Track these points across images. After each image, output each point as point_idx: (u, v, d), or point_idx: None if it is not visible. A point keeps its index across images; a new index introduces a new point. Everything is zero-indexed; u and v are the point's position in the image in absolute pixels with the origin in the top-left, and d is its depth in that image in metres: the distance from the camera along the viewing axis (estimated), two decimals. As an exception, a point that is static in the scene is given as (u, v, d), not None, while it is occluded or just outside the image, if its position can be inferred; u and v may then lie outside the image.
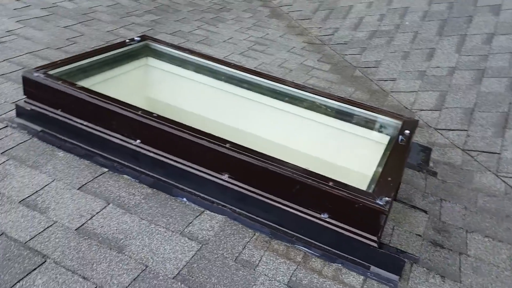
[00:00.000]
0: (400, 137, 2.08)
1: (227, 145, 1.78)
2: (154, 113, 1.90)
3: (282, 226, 1.80)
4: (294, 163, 1.76)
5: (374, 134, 2.33)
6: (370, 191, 1.68)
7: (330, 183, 1.67)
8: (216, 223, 1.78)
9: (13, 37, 3.20)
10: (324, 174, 1.72)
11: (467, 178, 2.42)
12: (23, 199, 1.73)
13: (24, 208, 1.68)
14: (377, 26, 4.14)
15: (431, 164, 2.52)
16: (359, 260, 1.70)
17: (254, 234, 1.77)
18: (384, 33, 4.01)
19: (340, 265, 1.69)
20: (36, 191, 1.78)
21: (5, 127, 2.15)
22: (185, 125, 1.86)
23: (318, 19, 4.69)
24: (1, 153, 1.96)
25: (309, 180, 1.68)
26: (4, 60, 2.83)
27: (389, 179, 1.76)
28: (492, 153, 2.55)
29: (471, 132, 2.72)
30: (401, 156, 1.98)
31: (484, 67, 3.16)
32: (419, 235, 1.95)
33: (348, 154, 2.43)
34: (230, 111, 2.62)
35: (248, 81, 2.55)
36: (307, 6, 5.06)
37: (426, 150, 2.63)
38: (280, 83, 2.49)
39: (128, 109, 1.90)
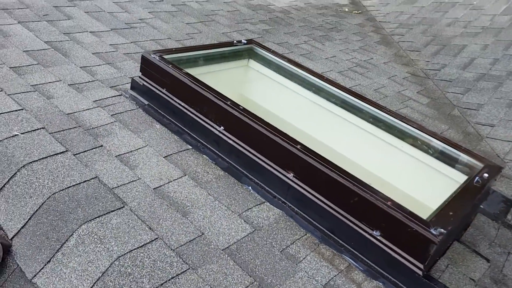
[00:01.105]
0: (477, 178, 2.03)
1: (298, 146, 1.92)
2: (240, 106, 2.11)
3: (334, 233, 1.87)
4: (360, 178, 1.83)
5: (452, 171, 2.29)
6: (428, 220, 1.69)
7: (389, 203, 1.71)
8: (273, 215, 1.92)
9: (143, 24, 3.69)
10: (386, 194, 1.76)
11: (549, 241, 2.24)
12: (119, 154, 2.04)
13: (118, 162, 1.98)
14: (488, 70, 3.96)
15: (509, 217, 2.38)
16: (401, 284, 1.71)
17: (305, 234, 1.87)
18: (493, 77, 3.82)
19: (381, 284, 1.72)
20: (131, 151, 2.08)
21: (119, 95, 2.52)
22: (264, 120, 2.03)
23: (428, 53, 4.61)
24: (111, 115, 2.32)
25: (369, 195, 1.74)
26: (132, 42, 3.28)
27: (451, 213, 1.74)
28: None
29: None
30: (471, 196, 1.93)
31: None
32: (473, 280, 1.88)
33: (420, 185, 2.40)
34: (315, 122, 2.74)
35: (339, 97, 2.66)
36: (420, 38, 4.98)
37: (508, 202, 2.48)
38: (370, 105, 2.56)
39: (219, 98, 2.13)
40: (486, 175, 2.06)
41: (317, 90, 2.72)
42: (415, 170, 2.41)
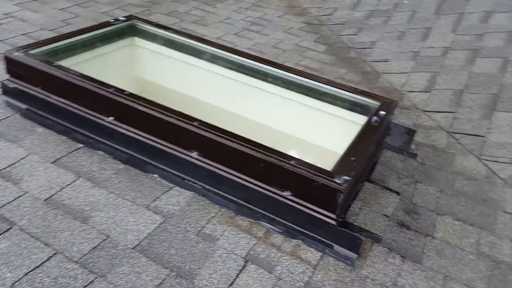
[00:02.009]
0: (375, 117, 2.08)
1: (195, 123, 1.82)
2: (125, 91, 1.94)
3: (248, 202, 1.83)
4: (263, 142, 1.79)
5: (351, 115, 2.33)
6: (331, 170, 1.70)
7: (292, 162, 1.69)
8: (183, 198, 1.83)
9: (9, 19, 3.28)
10: (288, 153, 1.74)
11: (448, 161, 2.40)
12: (-2, 171, 1.81)
13: (-2, 180, 1.76)
14: (376, 6, 4.07)
15: (412, 147, 2.50)
16: (319, 237, 1.73)
17: (220, 210, 1.82)
18: (382, 12, 3.94)
19: (300, 241, 1.73)
20: (12, 164, 1.86)
21: (-11, 104, 2.23)
22: (154, 102, 1.90)
23: (319, -1, 4.64)
24: (-17, 129, 2.04)
25: (272, 159, 1.70)
26: (-2, 40, 2.91)
27: (352, 158, 1.77)
28: (477, 135, 2.51)
29: (458, 115, 2.68)
30: (371, 137, 1.98)
31: (478, 47, 3.09)
32: (386, 216, 1.96)
33: (324, 134, 2.43)
34: (212, 90, 2.65)
35: (232, 61, 2.57)
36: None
37: (410, 133, 2.61)
38: (263, 63, 2.50)
39: (100, 87, 1.94)
40: (383, 112, 2.11)
41: (211, 58, 2.61)
42: (319, 121, 2.43)
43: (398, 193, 2.13)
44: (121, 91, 1.95)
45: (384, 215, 1.97)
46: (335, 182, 1.62)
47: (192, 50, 2.64)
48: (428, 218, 2.02)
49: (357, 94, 2.31)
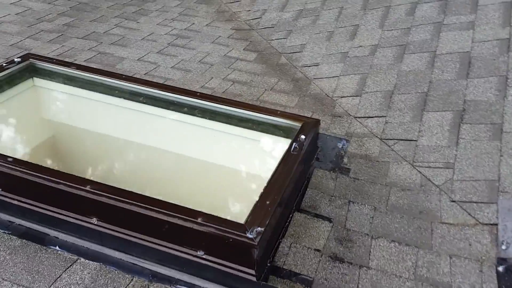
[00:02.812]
0: (294, 144, 1.93)
1: (88, 187, 1.62)
2: (9, 157, 1.72)
3: (162, 265, 1.66)
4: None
5: (271, 141, 2.19)
6: (243, 222, 1.54)
7: (199, 219, 1.53)
8: (88, 273, 1.63)
9: None
10: (193, 208, 1.57)
11: (382, 172, 2.30)
12: None
13: None
14: (304, 4, 3.92)
15: (345, 160, 2.38)
16: (241, 295, 1.58)
17: (132, 280, 1.63)
18: (310, 11, 3.80)
19: (222, 302, 1.57)
20: None
21: None
22: (41, 167, 1.68)
23: (247, 1, 4.44)
24: None
25: (176, 218, 1.53)
26: None
27: (268, 202, 1.62)
28: (409, 140, 2.42)
29: (389, 118, 2.58)
30: (290, 170, 1.84)
31: (406, 42, 2.99)
32: (318, 250, 1.83)
33: (252, 161, 2.29)
34: (123, 125, 2.45)
35: (141, 93, 2.37)
36: (238, -14, 4.77)
37: (342, 144, 2.49)
38: (175, 93, 2.31)
39: (-23, 158, 1.71)
40: (302, 137, 1.97)
41: (117, 92, 2.39)
42: (244, 148, 2.28)
43: (330, 220, 2.00)
44: (4, 157, 1.72)
45: (316, 249, 1.84)
46: (247, 238, 1.47)
47: (96, 85, 2.42)
48: (363, 245, 1.90)
49: (277, 117, 2.17)
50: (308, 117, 2.17)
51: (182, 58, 3.45)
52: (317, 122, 2.12)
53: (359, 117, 2.68)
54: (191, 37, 3.83)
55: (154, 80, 3.05)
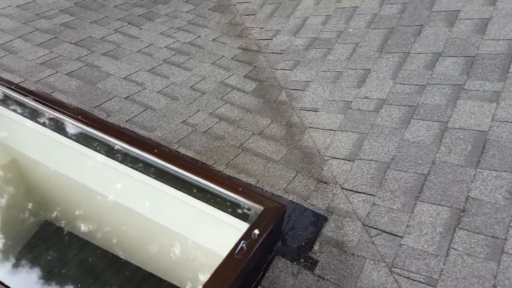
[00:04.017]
0: (242, 243, 1.64)
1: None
2: None
3: None
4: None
5: (234, 220, 1.90)
6: None
7: None
8: None
9: None
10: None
11: (354, 272, 1.97)
12: None
13: None
14: (319, 32, 3.54)
15: (315, 247, 2.07)
16: None
17: None
18: (323, 42, 3.42)
19: None
20: None
21: None
22: None
23: (263, 16, 4.09)
24: None
25: None
26: None
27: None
28: (393, 235, 2.07)
29: (378, 200, 2.24)
30: (229, 277, 1.55)
31: (416, 103, 2.61)
32: None
33: (211, 236, 2.01)
34: (74, 168, 2.20)
35: (94, 137, 2.11)
36: (257, -4, 4.42)
37: (318, 223, 2.18)
38: (126, 142, 2.05)
39: None
40: (256, 231, 1.67)
41: (72, 134, 2.15)
42: (204, 221, 2.00)
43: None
44: None
45: None
46: None
47: (49, 120, 2.17)
48: None
49: (238, 194, 1.87)
50: (272, 200, 1.87)
51: (173, 80, 3.17)
52: (281, 208, 1.81)
53: (346, 189, 2.35)
54: (191, 54, 3.54)
55: (133, 108, 2.80)
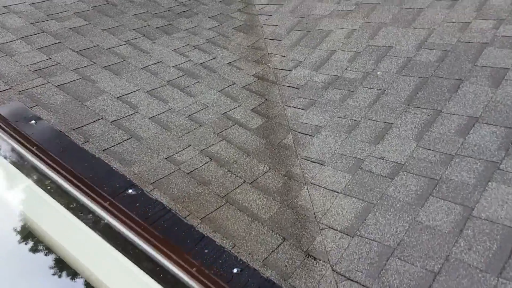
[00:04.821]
0: None
1: None
2: None
3: None
4: None
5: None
6: None
7: None
8: None
9: None
10: None
11: None
12: None
13: None
14: (343, 70, 3.16)
15: None
16: None
17: None
18: (346, 82, 3.03)
19: None
20: None
21: None
22: None
23: (288, 43, 3.75)
24: None
25: None
26: None
27: None
28: None
29: (372, 294, 1.82)
30: None
31: (439, 177, 2.18)
32: None
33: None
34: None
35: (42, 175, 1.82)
36: (286, 20, 4.09)
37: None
38: (75, 186, 1.73)
39: None
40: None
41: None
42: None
43: None
44: None
45: None
46: None
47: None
48: None
49: (190, 278, 1.51)
50: (231, 291, 1.51)
51: (171, 106, 2.87)
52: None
53: (337, 272, 1.95)
54: (200, 77, 3.23)
55: (117, 134, 2.51)
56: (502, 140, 2.23)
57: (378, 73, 3.00)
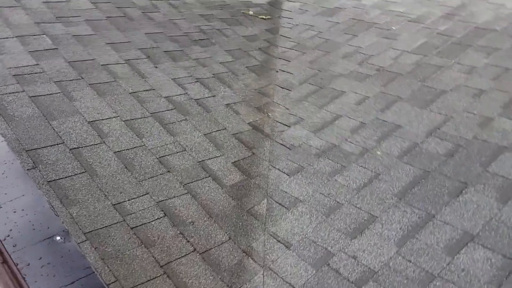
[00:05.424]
0: None
1: None
2: None
3: None
4: None
5: None
6: None
7: None
8: None
9: None
10: None
11: None
12: None
13: None
14: (343, 140, 2.86)
15: None
16: None
17: None
18: (341, 155, 2.73)
19: None
20: None
21: None
22: None
23: (296, 95, 3.49)
24: None
25: None
26: None
27: None
28: None
29: None
30: None
31: (413, 300, 1.83)
32: None
33: None
34: None
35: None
36: (303, 70, 3.84)
37: None
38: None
39: None
40: None
41: None
42: None
43: None
44: None
45: None
46: None
47: None
48: None
49: None
50: None
51: (145, 143, 2.63)
52: None
53: None
54: (190, 115, 3.00)
55: (70, 165, 2.27)
56: (496, 272, 1.88)
57: (378, 152, 2.69)
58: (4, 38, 3.01)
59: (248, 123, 3.13)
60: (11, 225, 1.81)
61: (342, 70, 3.72)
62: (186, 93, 3.22)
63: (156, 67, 3.39)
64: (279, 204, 2.46)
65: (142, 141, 2.62)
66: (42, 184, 2.10)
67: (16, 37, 3.07)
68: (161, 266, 1.97)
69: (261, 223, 2.34)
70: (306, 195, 2.48)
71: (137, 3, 4.24)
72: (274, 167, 2.74)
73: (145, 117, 2.82)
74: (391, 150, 2.70)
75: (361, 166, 2.62)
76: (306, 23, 4.74)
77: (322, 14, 4.90)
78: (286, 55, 4.14)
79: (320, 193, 2.48)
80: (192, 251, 2.09)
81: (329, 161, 2.71)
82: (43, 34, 3.21)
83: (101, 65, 3.14)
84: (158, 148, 2.61)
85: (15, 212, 1.87)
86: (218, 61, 3.81)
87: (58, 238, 1.86)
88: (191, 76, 3.44)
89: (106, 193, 2.20)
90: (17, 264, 1.66)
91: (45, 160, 2.24)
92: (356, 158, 2.69)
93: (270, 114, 3.30)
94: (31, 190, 2.01)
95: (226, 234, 2.23)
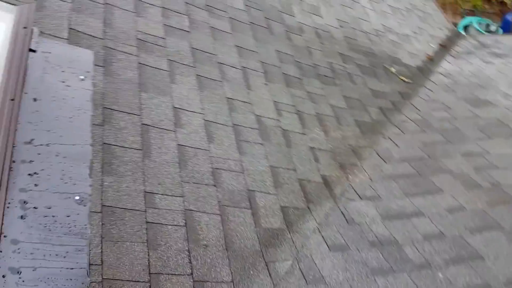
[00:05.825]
0: None
1: None
2: None
3: None
4: None
5: None
6: None
7: None
8: None
9: None
10: None
11: None
12: None
13: None
14: (409, 242, 2.48)
15: None
16: None
17: None
18: (398, 256, 2.37)
19: None
20: None
21: None
22: None
23: (390, 171, 3.16)
24: None
25: None
26: None
27: None
28: None
29: None
30: None
31: None
32: None
33: None
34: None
35: None
36: (411, 148, 3.48)
37: None
38: None
39: None
40: None
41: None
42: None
43: None
44: None
45: None
46: None
47: None
48: None
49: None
50: None
51: (211, 149, 2.59)
52: None
53: None
54: (267, 142, 2.89)
55: (128, 137, 2.33)
56: None
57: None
58: (149, 4, 3.24)
59: (321, 175, 2.92)
60: (46, 164, 1.90)
61: (453, 167, 3.26)
62: (279, 119, 3.12)
63: (266, 84, 3.35)
64: (302, 274, 2.21)
65: (209, 146, 2.59)
66: (97, 143, 2.18)
67: (161, 7, 3.29)
68: (149, 273, 1.90)
69: (272, 285, 2.13)
70: (334, 279, 2.20)
71: (287, 21, 4.26)
72: (320, 232, 2.49)
73: (225, 125, 2.79)
74: (456, 279, 2.25)
75: (412, 281, 2.24)
76: (444, 103, 4.30)
77: (467, 101, 4.39)
78: (403, 125, 3.79)
79: (350, 286, 2.17)
80: (188, 274, 1.98)
81: (381, 256, 2.37)
82: (186, 15, 3.39)
83: (218, 62, 3.21)
84: (219, 159, 2.56)
85: (57, 156, 1.96)
86: (330, 103, 3.64)
87: (77, 198, 1.91)
88: (294, 106, 3.34)
89: (145, 178, 2.21)
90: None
91: (114, 123, 2.33)
92: (411, 269, 2.31)
93: (350, 176, 3.03)
94: (83, 143, 2.10)
95: (230, 275, 2.07)
